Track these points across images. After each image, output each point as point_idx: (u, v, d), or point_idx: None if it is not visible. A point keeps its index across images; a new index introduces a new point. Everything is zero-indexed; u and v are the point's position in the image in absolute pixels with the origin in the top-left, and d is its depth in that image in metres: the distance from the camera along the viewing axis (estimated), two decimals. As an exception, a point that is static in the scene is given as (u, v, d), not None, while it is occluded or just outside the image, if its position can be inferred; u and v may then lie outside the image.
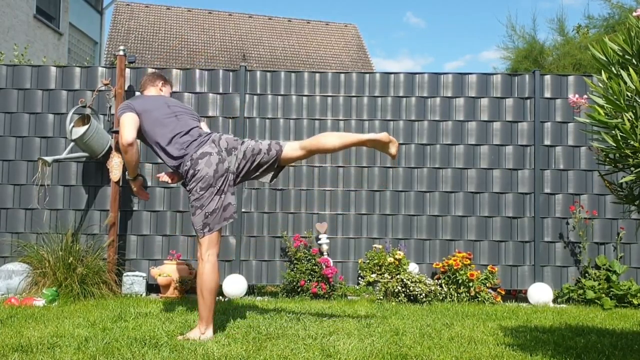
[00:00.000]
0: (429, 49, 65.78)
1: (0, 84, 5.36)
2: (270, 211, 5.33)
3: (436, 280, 5.05)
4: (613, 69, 2.45)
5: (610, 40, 2.48)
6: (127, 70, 5.36)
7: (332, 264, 5.10)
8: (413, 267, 5.15)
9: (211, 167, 3.19)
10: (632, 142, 2.28)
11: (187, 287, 4.95)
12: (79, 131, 4.92)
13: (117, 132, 5.01)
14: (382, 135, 3.40)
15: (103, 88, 5.26)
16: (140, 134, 3.41)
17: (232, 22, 19.18)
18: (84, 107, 5.13)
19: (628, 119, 2.29)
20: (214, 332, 3.27)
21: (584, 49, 11.12)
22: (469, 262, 5.06)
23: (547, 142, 5.39)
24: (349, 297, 5.10)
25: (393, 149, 3.40)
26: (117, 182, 5.07)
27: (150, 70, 3.68)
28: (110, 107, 5.22)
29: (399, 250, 5.17)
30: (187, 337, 3.10)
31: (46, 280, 4.64)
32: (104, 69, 5.43)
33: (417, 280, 4.80)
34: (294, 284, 5.01)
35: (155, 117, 3.39)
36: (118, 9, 18.11)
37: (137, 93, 5.38)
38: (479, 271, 5.06)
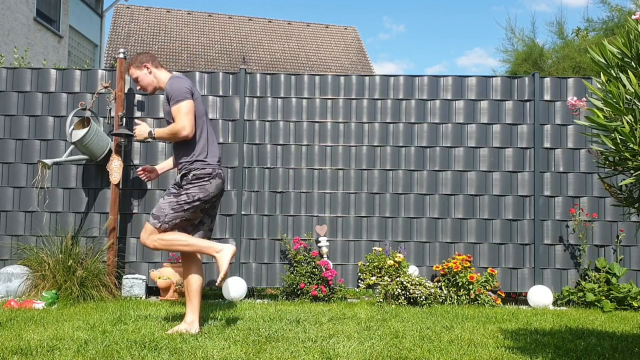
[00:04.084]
0: (409, 54, 65.95)
1: (1, 86, 5.36)
2: (270, 214, 5.33)
3: (436, 283, 5.05)
4: (612, 72, 2.46)
5: (609, 43, 2.49)
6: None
7: (332, 267, 5.10)
8: (413, 270, 5.14)
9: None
10: (631, 145, 2.28)
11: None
12: (79, 134, 4.92)
13: (117, 134, 5.02)
14: (222, 262, 3.38)
15: (103, 91, 5.26)
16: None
17: (232, 24, 19.20)
18: (84, 109, 5.13)
19: (627, 122, 2.30)
20: (213, 333, 3.27)
21: (584, 51, 11.14)
22: (468, 264, 5.06)
23: (546, 144, 5.39)
24: (348, 300, 5.09)
25: (221, 274, 3.35)
26: (117, 185, 5.07)
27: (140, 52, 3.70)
28: (110, 110, 5.22)
29: (399, 252, 5.17)
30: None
31: (46, 283, 4.63)
32: (104, 71, 5.44)
33: (417, 283, 4.79)
34: (294, 286, 5.00)
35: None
36: (118, 11, 18.13)
37: (138, 97, 5.39)
38: (478, 274, 5.06)
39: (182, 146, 3.48)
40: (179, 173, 3.48)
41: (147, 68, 3.60)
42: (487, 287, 5.02)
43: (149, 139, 3.51)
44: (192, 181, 3.40)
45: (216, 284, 3.45)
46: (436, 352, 2.91)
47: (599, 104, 2.49)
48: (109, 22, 17.78)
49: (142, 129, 3.53)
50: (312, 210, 5.34)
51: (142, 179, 3.77)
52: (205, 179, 3.42)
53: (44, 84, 5.39)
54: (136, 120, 3.82)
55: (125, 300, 4.78)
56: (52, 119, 5.34)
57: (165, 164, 3.89)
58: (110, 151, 5.12)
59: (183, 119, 3.37)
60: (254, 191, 5.34)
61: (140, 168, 3.78)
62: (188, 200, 3.38)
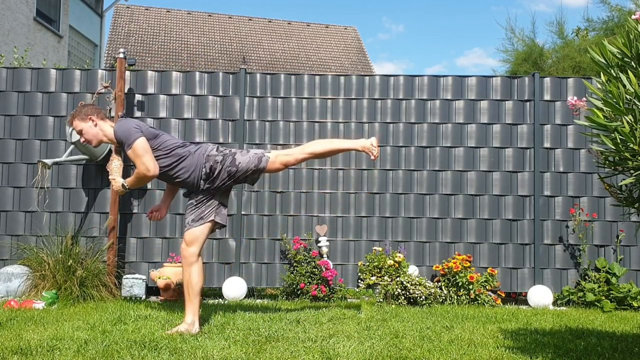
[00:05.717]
0: (409, 54, 66.01)
1: (1, 86, 5.36)
2: (270, 214, 5.33)
3: (436, 283, 5.05)
4: (612, 71, 2.46)
5: (609, 43, 2.49)
6: (127, 73, 5.36)
7: (331, 267, 5.10)
8: (413, 270, 5.14)
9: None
10: (631, 145, 2.28)
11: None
12: (79, 134, 4.92)
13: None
14: (367, 146, 3.70)
15: (103, 91, 5.26)
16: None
17: (232, 24, 19.20)
18: (84, 109, 5.12)
19: (627, 122, 2.30)
20: (213, 333, 3.27)
21: (584, 51, 11.14)
22: (468, 264, 5.06)
23: (546, 144, 5.39)
24: (348, 300, 5.09)
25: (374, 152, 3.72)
26: (117, 185, 5.07)
27: (85, 104, 3.72)
28: (110, 110, 5.22)
29: (399, 252, 5.17)
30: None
31: (46, 283, 4.63)
32: (104, 71, 5.44)
33: (417, 283, 4.79)
34: (294, 286, 5.00)
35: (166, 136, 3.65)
36: (118, 11, 18.12)
37: (138, 97, 5.40)
38: (478, 274, 5.06)
39: (171, 174, 3.50)
40: (200, 187, 3.49)
41: (92, 120, 3.53)
42: (487, 287, 5.02)
43: (126, 190, 3.56)
44: (219, 166, 3.47)
45: (373, 158, 3.71)
46: (436, 352, 2.91)
47: (599, 104, 2.49)
48: (109, 22, 17.78)
49: (117, 184, 3.58)
50: (312, 210, 5.34)
51: (154, 220, 3.81)
52: (220, 159, 3.48)
53: (44, 84, 5.39)
54: (110, 176, 3.79)
55: (125, 300, 4.78)
56: (52, 119, 5.34)
57: (166, 196, 3.90)
58: (110, 151, 5.12)
59: (143, 160, 3.35)
60: (253, 191, 5.34)
61: (147, 212, 3.82)
62: (235, 162, 3.49)
